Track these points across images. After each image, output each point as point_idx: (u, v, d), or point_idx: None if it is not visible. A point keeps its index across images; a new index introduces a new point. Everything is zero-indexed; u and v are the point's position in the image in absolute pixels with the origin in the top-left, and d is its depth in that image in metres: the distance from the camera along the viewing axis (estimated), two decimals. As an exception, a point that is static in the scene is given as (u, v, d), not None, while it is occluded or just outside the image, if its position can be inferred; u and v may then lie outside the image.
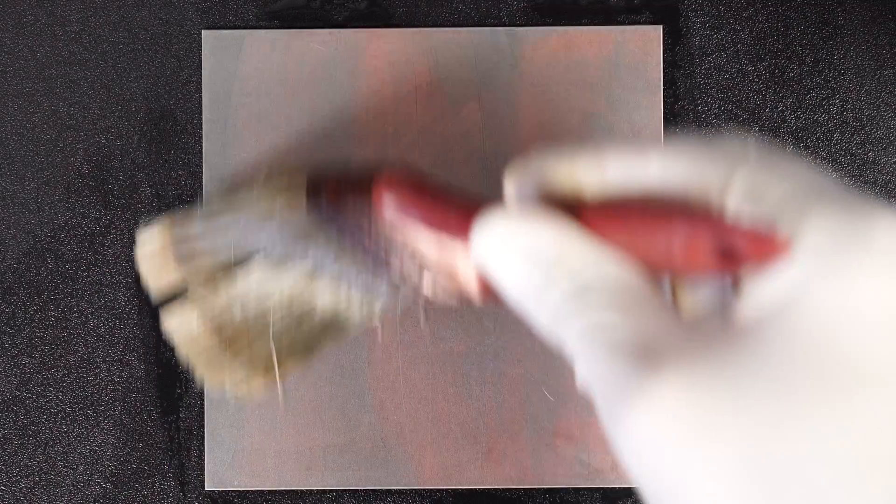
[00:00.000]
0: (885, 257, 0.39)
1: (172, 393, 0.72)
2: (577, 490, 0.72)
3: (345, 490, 0.72)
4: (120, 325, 0.72)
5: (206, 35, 0.73)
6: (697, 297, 0.46)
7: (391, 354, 0.72)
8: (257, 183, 0.61)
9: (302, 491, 0.72)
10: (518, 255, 0.45)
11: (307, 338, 0.61)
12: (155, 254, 0.61)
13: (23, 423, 0.72)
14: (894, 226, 0.40)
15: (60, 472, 0.72)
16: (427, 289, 0.56)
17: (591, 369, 0.41)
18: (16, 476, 0.72)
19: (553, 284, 0.43)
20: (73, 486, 0.72)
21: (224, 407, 0.72)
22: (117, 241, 0.73)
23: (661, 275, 0.45)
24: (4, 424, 0.72)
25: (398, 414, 0.72)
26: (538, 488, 0.72)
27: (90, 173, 0.73)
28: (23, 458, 0.72)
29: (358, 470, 0.72)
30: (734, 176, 0.43)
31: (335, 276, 0.59)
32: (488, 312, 0.72)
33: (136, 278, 0.72)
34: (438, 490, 0.72)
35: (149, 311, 0.72)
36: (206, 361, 0.61)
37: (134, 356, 0.72)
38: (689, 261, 0.44)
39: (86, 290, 0.72)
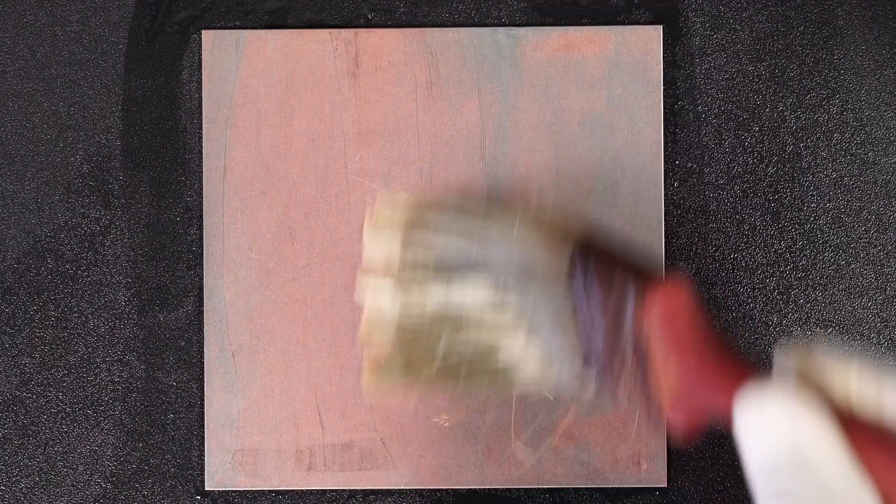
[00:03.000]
0: None
1: (172, 393, 0.72)
2: (577, 490, 0.72)
3: (345, 490, 0.72)
4: (120, 325, 0.72)
5: (206, 35, 0.73)
6: None
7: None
8: (520, 210, 0.58)
9: (302, 491, 0.72)
10: (777, 442, 0.44)
11: (468, 369, 0.59)
12: (388, 220, 0.58)
13: (23, 423, 0.72)
14: None
15: (60, 472, 0.72)
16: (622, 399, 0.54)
17: None
18: (16, 476, 0.72)
19: (794, 494, 0.43)
20: (73, 486, 0.72)
21: (224, 407, 0.72)
22: (117, 241, 0.73)
23: None
24: (4, 424, 0.72)
25: (398, 414, 0.72)
26: (538, 488, 0.72)
27: (90, 173, 0.73)
28: (23, 458, 0.72)
29: (358, 470, 0.72)
30: None
31: (539, 332, 0.57)
32: (488, 312, 0.72)
33: (136, 278, 0.72)
34: (438, 490, 0.72)
35: (149, 310, 0.72)
36: (376, 342, 0.58)
37: (134, 356, 0.72)
38: None
39: (86, 290, 0.72)
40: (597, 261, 0.55)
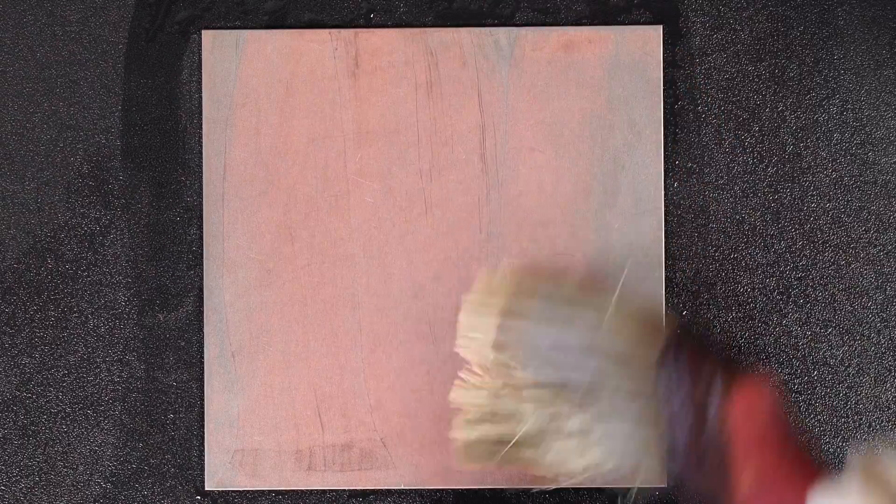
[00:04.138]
0: None
1: (172, 393, 0.72)
2: (577, 490, 0.72)
3: (345, 490, 0.72)
4: (120, 325, 0.72)
5: (206, 35, 0.73)
6: None
7: (391, 354, 0.72)
8: (615, 297, 0.59)
9: (302, 491, 0.72)
10: None
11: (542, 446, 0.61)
12: (484, 307, 0.61)
13: (23, 423, 0.72)
14: None
15: (60, 472, 0.72)
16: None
17: None
18: (16, 476, 0.72)
19: None
20: (73, 486, 0.72)
21: (224, 407, 0.72)
22: (117, 241, 0.73)
23: None
24: (4, 424, 0.72)
25: (398, 414, 0.72)
26: (538, 488, 0.72)
27: (90, 173, 0.73)
28: (23, 458, 0.72)
29: (358, 470, 0.72)
30: None
31: (616, 419, 0.58)
32: (488, 312, 0.72)
33: (136, 278, 0.72)
34: (438, 490, 0.72)
35: (149, 310, 0.72)
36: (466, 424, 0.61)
37: (134, 356, 0.72)
38: None
39: (86, 290, 0.72)
40: (688, 353, 0.56)
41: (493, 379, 0.61)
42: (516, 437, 0.61)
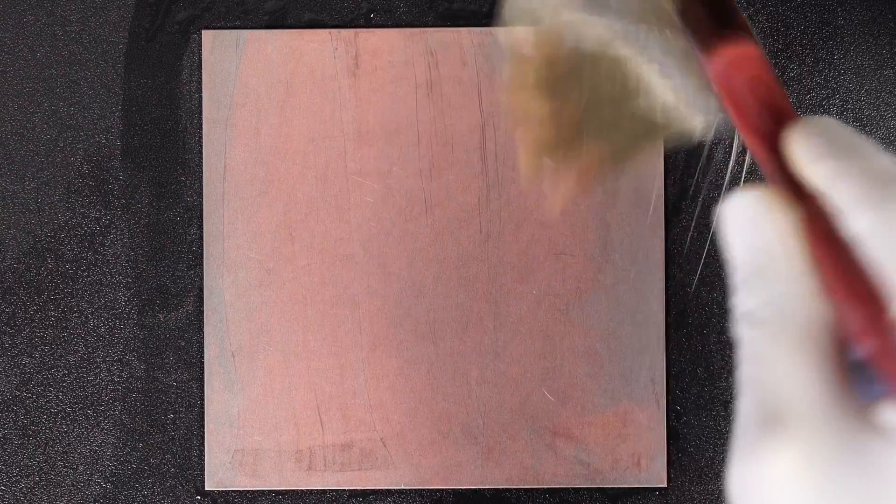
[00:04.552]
0: None
1: (172, 393, 0.72)
2: (577, 490, 0.72)
3: (345, 490, 0.72)
4: (120, 325, 0.72)
5: (206, 35, 0.73)
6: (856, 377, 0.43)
7: (391, 354, 0.72)
8: None
9: (302, 491, 0.72)
10: (743, 242, 0.44)
11: (619, 129, 0.57)
12: None
13: (23, 423, 0.72)
14: None
15: (60, 472, 0.72)
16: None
17: (739, 391, 0.42)
18: (16, 476, 0.72)
19: (748, 288, 0.43)
20: (73, 486, 0.72)
21: (224, 407, 0.72)
22: (117, 241, 0.73)
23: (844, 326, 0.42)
24: (4, 424, 0.72)
25: (398, 414, 0.72)
26: (538, 488, 0.72)
27: (90, 173, 0.73)
28: (23, 458, 0.72)
29: (358, 470, 0.72)
30: None
31: (672, 76, 0.55)
32: (489, 312, 0.72)
33: (136, 278, 0.72)
34: (438, 490, 0.72)
35: (149, 310, 0.72)
36: (521, 88, 0.57)
37: (134, 356, 0.72)
38: (861, 346, 0.41)
39: (86, 290, 0.72)
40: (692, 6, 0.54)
41: (542, 52, 0.58)
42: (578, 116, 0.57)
